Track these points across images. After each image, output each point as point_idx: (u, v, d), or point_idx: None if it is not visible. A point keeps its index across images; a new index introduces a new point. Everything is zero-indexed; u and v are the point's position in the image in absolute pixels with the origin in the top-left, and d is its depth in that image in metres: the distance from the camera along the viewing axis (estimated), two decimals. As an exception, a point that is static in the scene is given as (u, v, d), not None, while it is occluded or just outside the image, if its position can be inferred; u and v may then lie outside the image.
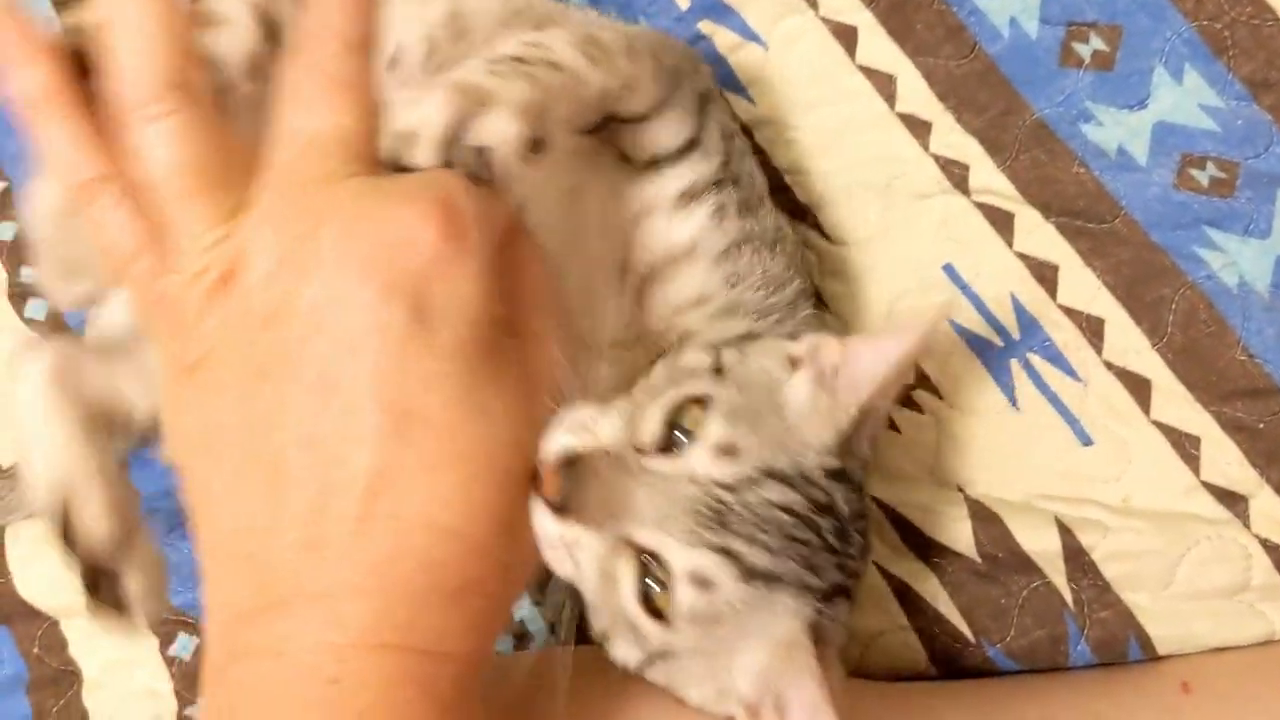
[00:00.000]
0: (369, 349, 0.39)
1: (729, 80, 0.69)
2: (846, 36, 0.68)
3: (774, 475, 0.46)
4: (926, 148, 0.66)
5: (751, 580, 0.45)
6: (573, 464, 0.43)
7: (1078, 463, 0.60)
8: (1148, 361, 0.61)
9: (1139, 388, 0.61)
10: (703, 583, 0.45)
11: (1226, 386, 0.60)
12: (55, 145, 0.42)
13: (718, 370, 0.49)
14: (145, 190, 0.41)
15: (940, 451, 0.62)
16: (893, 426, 0.63)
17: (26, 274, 0.74)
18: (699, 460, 0.45)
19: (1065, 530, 0.58)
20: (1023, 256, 0.64)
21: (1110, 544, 0.58)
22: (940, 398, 0.63)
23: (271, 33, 0.50)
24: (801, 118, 0.68)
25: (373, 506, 0.39)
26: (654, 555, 0.45)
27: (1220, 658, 0.57)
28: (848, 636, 0.51)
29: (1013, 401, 0.62)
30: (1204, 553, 0.57)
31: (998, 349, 0.63)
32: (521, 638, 0.63)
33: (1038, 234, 0.64)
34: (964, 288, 0.64)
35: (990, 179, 0.65)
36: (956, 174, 0.65)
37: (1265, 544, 0.57)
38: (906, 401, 0.63)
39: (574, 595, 0.48)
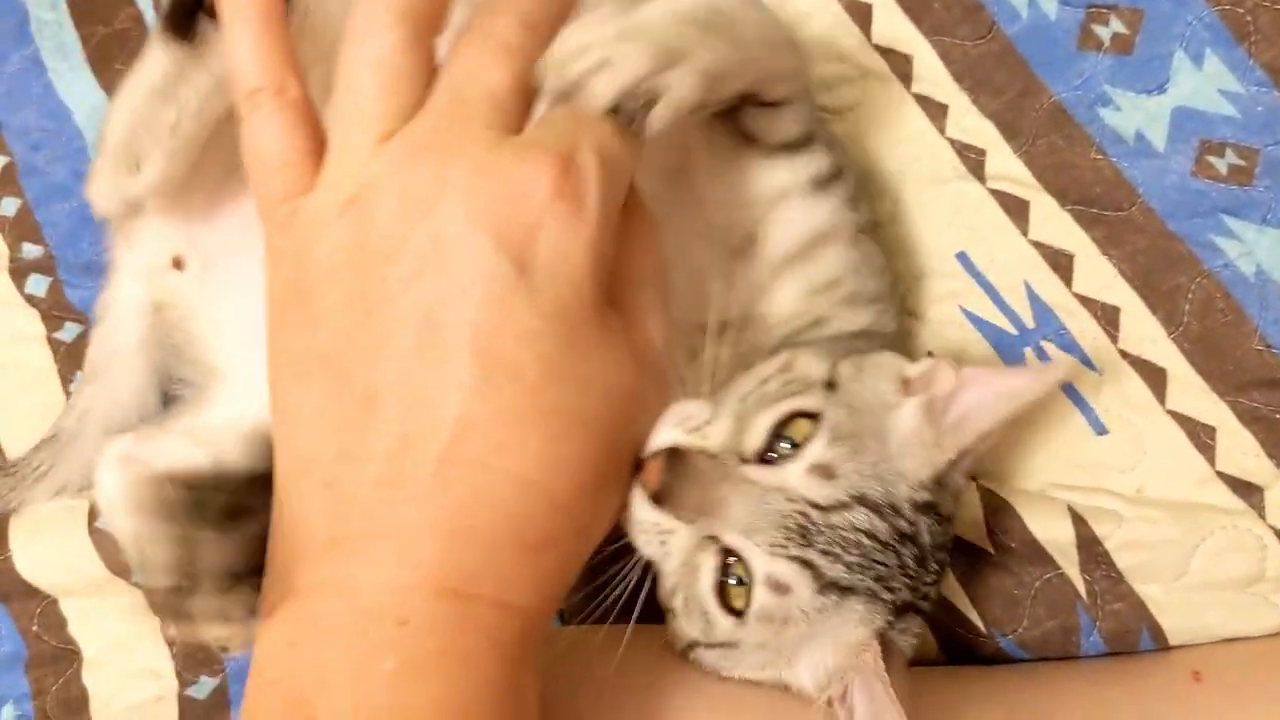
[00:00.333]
0: (472, 296, 0.39)
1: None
2: (861, 14, 0.67)
3: (865, 503, 0.47)
4: (943, 131, 0.65)
5: (826, 591, 0.47)
6: (676, 457, 0.46)
7: (1092, 452, 0.60)
8: (1163, 351, 0.60)
9: (1154, 377, 0.60)
10: (780, 587, 0.47)
11: (1243, 376, 0.59)
12: (235, 47, 0.43)
13: (830, 385, 0.50)
14: (310, 112, 0.43)
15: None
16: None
17: (27, 250, 0.73)
18: (795, 476, 0.47)
19: (1079, 520, 0.58)
20: (1038, 245, 0.63)
21: (1124, 534, 0.57)
22: (953, 385, 0.62)
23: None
24: (820, 98, 0.67)
25: (456, 451, 0.39)
26: (737, 555, 0.47)
27: (1231, 647, 0.57)
28: (915, 651, 0.52)
29: (1027, 389, 0.61)
30: (1219, 543, 0.56)
31: (1011, 337, 0.62)
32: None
33: (1053, 222, 0.63)
34: (978, 276, 0.63)
35: (1007, 165, 0.64)
36: (973, 159, 0.64)
37: (1280, 535, 0.57)
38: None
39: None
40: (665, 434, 0.46)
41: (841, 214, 0.56)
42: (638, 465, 0.46)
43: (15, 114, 0.76)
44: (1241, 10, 0.62)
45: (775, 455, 0.48)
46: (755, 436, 0.48)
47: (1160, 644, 0.58)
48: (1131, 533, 0.57)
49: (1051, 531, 0.58)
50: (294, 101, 0.43)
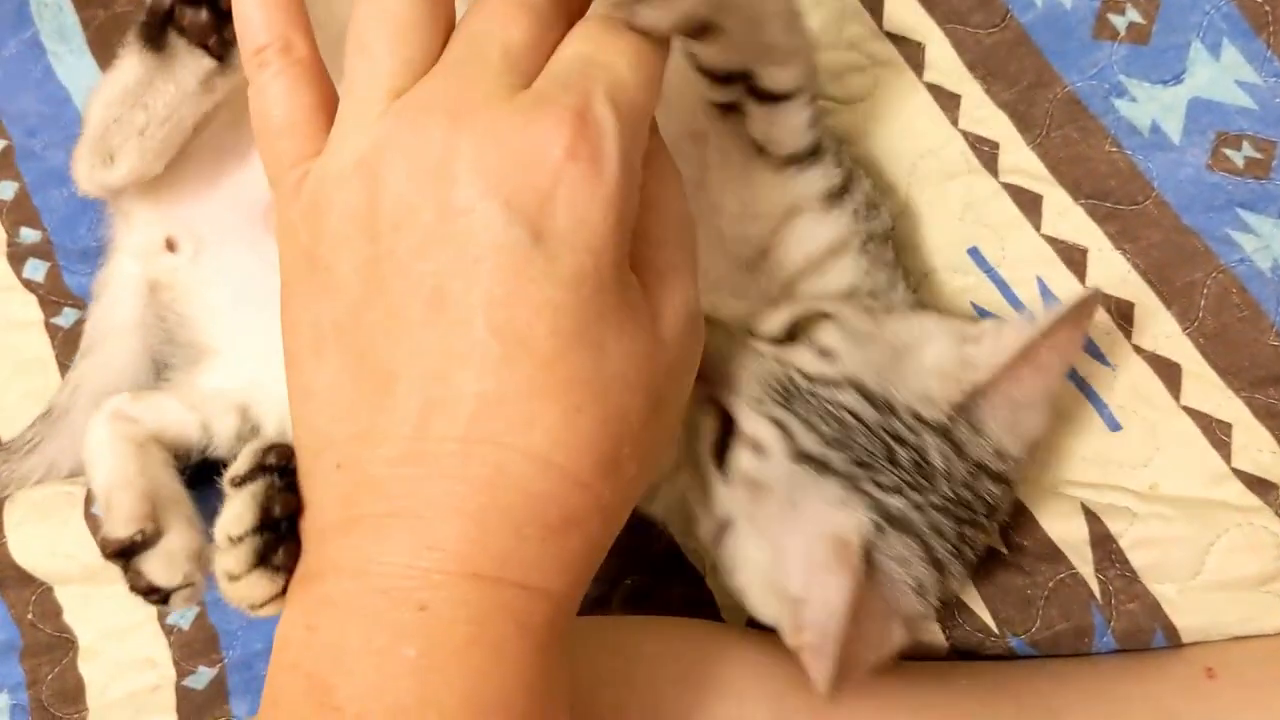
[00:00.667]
0: (484, 267, 0.37)
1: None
2: (873, 0, 0.66)
3: (857, 387, 0.49)
4: (955, 122, 0.64)
5: (801, 461, 0.49)
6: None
7: (1106, 448, 0.59)
8: (1179, 346, 0.59)
9: (1169, 373, 0.59)
10: (757, 448, 0.49)
11: (1259, 372, 0.58)
12: (243, 6, 0.42)
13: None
14: (319, 71, 0.42)
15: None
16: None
17: (25, 234, 0.72)
18: (799, 353, 0.50)
19: (1092, 517, 0.57)
20: (1051, 240, 0.62)
21: (1138, 531, 0.56)
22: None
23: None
24: (828, 85, 0.66)
25: (473, 429, 0.37)
26: (731, 417, 0.50)
27: (1245, 644, 0.56)
28: (920, 613, 0.51)
29: (1039, 384, 0.60)
30: (1234, 541, 0.56)
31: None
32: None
33: (1067, 216, 0.62)
34: (989, 271, 0.63)
35: (1020, 158, 0.63)
36: (986, 152, 0.64)
37: (1296, 533, 0.56)
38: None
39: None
40: None
41: (852, 227, 0.57)
42: None
43: (13, 98, 0.75)
44: (1260, 0, 0.61)
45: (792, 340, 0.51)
46: (775, 322, 0.52)
47: (1173, 643, 0.57)
48: (1145, 530, 0.56)
49: (1065, 529, 0.57)
50: (301, 59, 0.41)
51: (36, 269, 0.72)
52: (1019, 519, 0.58)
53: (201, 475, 0.63)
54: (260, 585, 0.46)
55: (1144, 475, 0.58)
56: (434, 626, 0.37)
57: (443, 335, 0.38)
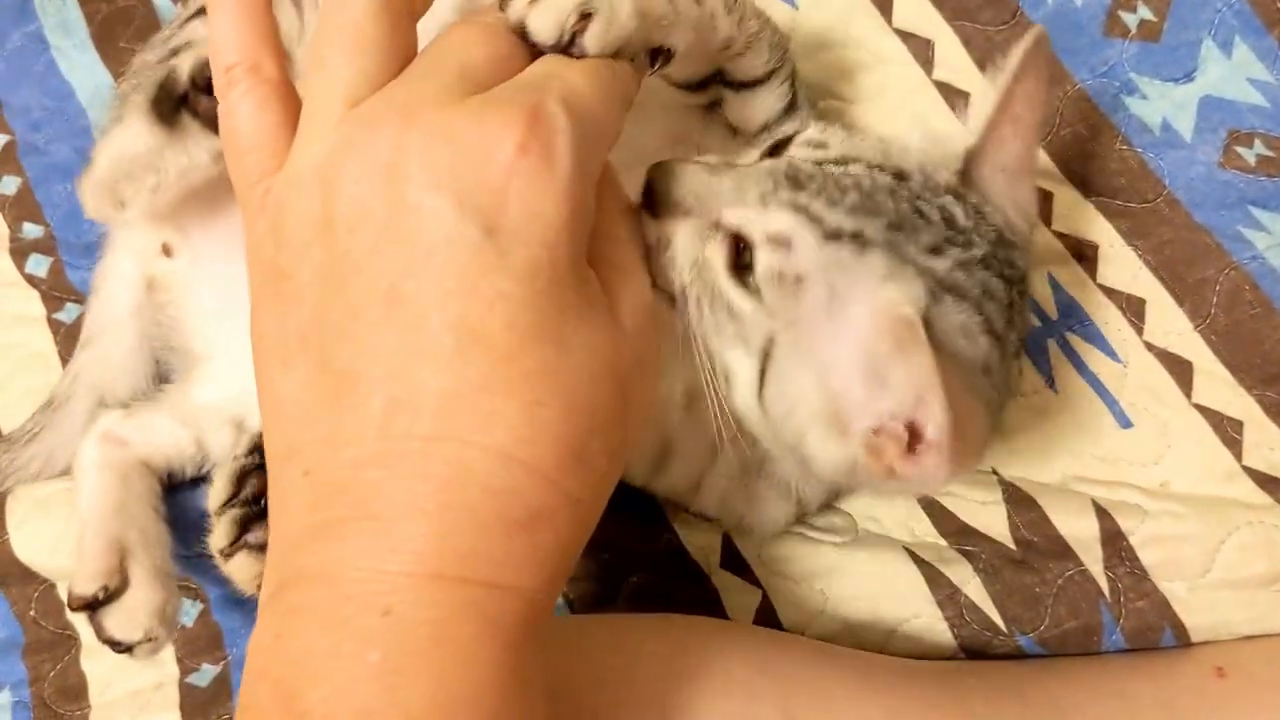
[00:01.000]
0: (438, 263, 0.37)
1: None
2: (882, -3, 0.66)
3: (859, 160, 0.48)
4: (965, 122, 0.64)
5: (833, 240, 0.45)
6: (665, 171, 0.47)
7: (1116, 445, 0.59)
8: (1190, 343, 0.59)
9: (1181, 370, 0.59)
10: (781, 242, 0.46)
11: (1271, 369, 0.58)
12: (215, 26, 0.43)
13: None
14: (287, 92, 0.42)
15: (973, 431, 0.60)
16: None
17: (28, 229, 0.72)
18: (789, 153, 0.48)
19: (1103, 514, 0.57)
20: (1061, 235, 0.62)
21: (1148, 528, 0.56)
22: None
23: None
24: (837, 84, 0.66)
25: (436, 426, 0.37)
26: (741, 235, 0.47)
27: (1255, 643, 0.56)
28: (991, 396, 0.48)
29: (1050, 382, 0.60)
30: (1244, 539, 0.55)
31: (1034, 329, 0.61)
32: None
33: (1076, 213, 0.62)
34: (998, 265, 0.62)
35: (1030, 154, 0.63)
36: (994, 148, 0.63)
37: (1308, 532, 0.56)
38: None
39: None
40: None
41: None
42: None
43: (16, 92, 0.75)
44: (1272, -3, 0.61)
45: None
46: (751, 156, 0.50)
47: (1183, 642, 0.56)
48: (1155, 527, 0.56)
49: (1075, 526, 0.57)
50: (269, 79, 0.42)
51: (39, 264, 0.71)
52: (1028, 516, 0.57)
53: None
54: (248, 565, 0.49)
55: (1155, 473, 0.58)
56: (398, 630, 0.36)
57: (400, 333, 0.38)
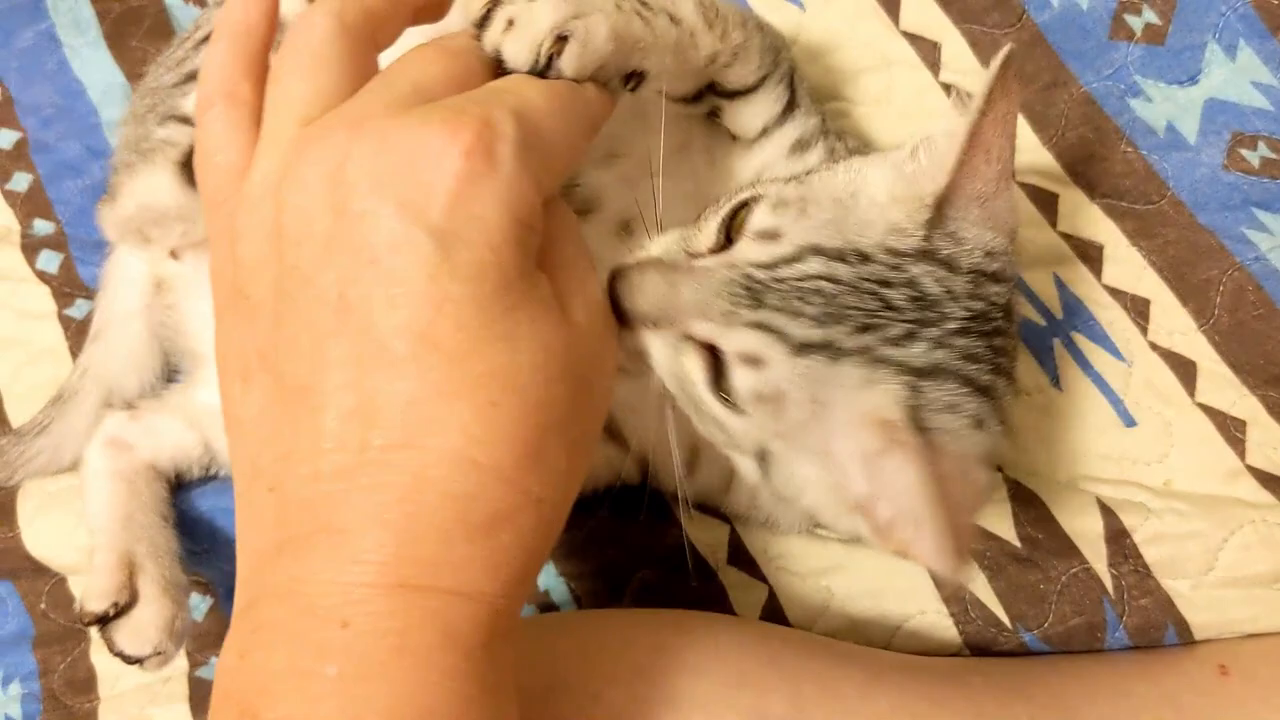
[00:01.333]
0: (384, 269, 0.37)
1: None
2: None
3: (817, 251, 0.46)
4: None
5: (805, 353, 0.45)
6: (624, 278, 0.46)
7: (1120, 444, 0.59)
8: (1194, 343, 0.60)
9: (1184, 369, 0.59)
10: (751, 360, 0.45)
11: (1274, 370, 0.58)
12: (210, 52, 0.44)
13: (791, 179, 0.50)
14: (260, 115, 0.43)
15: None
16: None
17: (39, 226, 0.72)
18: (742, 248, 0.46)
19: (1107, 511, 0.57)
20: (1066, 236, 0.62)
21: (1152, 526, 0.57)
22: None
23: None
24: (844, 86, 0.66)
25: (392, 434, 0.37)
26: (713, 346, 0.46)
27: (1259, 642, 0.56)
28: (991, 444, 0.48)
29: (1055, 381, 0.60)
30: (1247, 538, 0.56)
31: (1040, 328, 0.61)
32: (544, 609, 0.61)
33: (1082, 214, 0.62)
34: (1004, 265, 0.63)
35: (1036, 157, 0.63)
36: (1001, 150, 0.64)
37: (1310, 531, 0.56)
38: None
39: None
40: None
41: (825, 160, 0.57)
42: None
43: (27, 89, 0.75)
44: (1276, 1, 0.61)
45: (730, 243, 0.47)
46: (707, 235, 0.48)
47: (1185, 640, 0.57)
48: (1159, 525, 0.57)
49: (1080, 523, 0.57)
50: (244, 103, 0.43)
51: (50, 260, 0.72)
52: (1034, 514, 0.58)
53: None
54: None
55: (1158, 471, 0.58)
56: (356, 642, 0.36)
57: (351, 343, 0.37)
